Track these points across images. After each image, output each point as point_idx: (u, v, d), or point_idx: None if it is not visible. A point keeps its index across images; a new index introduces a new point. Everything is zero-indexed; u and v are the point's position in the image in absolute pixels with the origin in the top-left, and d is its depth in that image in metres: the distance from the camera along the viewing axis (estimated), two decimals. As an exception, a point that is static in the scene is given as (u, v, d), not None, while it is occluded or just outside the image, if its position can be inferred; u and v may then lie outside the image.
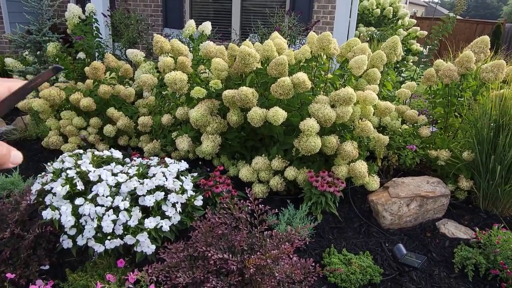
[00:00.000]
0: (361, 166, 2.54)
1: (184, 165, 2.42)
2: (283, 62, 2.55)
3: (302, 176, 2.65)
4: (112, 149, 2.53)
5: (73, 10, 4.58)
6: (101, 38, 5.01)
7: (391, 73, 3.43)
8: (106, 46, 5.12)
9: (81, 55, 4.84)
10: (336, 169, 2.61)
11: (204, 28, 4.32)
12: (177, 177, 2.32)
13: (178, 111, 2.91)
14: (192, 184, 2.32)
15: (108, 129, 3.18)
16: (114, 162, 2.36)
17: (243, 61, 2.66)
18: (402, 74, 4.80)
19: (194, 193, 2.27)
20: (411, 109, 3.35)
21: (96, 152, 2.35)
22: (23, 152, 3.36)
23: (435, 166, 3.12)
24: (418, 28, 7.30)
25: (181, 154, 3.09)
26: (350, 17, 5.36)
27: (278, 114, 2.40)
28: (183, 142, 2.78)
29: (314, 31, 3.93)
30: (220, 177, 2.52)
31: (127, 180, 2.13)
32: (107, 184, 2.07)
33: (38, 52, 3.81)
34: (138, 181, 2.13)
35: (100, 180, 2.12)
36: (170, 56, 3.21)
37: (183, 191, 2.24)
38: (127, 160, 2.59)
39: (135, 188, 2.09)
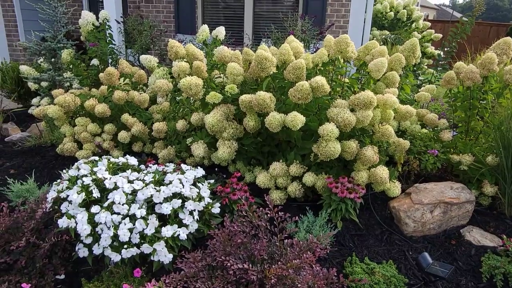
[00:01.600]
0: (382, 171, 2.46)
1: (200, 171, 2.37)
2: (301, 66, 2.50)
3: (321, 182, 2.58)
4: (128, 156, 2.49)
5: (87, 17, 4.61)
6: (115, 44, 5.04)
7: (409, 76, 3.35)
8: (120, 52, 5.14)
9: (95, 61, 4.86)
10: (356, 175, 2.53)
11: (217, 33, 4.29)
12: (194, 184, 2.27)
13: (193, 117, 2.87)
14: (209, 191, 2.27)
15: (123, 135, 3.15)
16: (129, 169, 2.33)
17: (259, 65, 2.61)
18: (419, 77, 4.70)
19: (211, 201, 2.21)
20: (431, 112, 3.26)
21: (112, 159, 2.32)
22: (38, 159, 3.35)
23: (457, 171, 3.01)
24: (433, 31, 7.19)
25: (196, 160, 3.04)
26: (364, 21, 5.29)
27: (297, 119, 2.34)
28: (198, 149, 2.73)
29: (328, 35, 3.87)
30: (237, 184, 2.46)
31: (143, 187, 2.09)
32: (123, 192, 2.03)
33: (53, 59, 3.82)
34: (155, 188, 2.09)
35: (116, 187, 2.08)
36: (185, 61, 3.19)
37: (200, 198, 2.19)
38: (142, 166, 2.55)
39: (151, 196, 2.04)
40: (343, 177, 2.52)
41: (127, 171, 2.22)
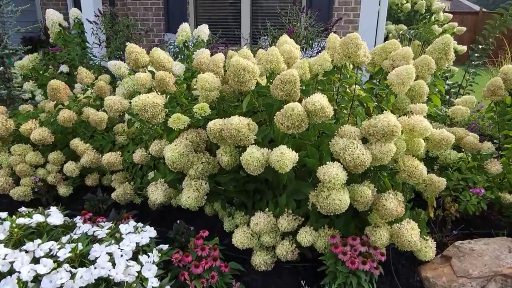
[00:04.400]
0: (410, 231, 1.72)
1: (148, 235, 1.67)
2: (291, 79, 1.77)
3: (322, 241, 1.85)
4: (53, 209, 1.80)
5: (52, 17, 3.93)
6: (87, 47, 4.36)
7: (439, 84, 2.58)
8: (94, 56, 4.46)
9: (64, 68, 4.18)
10: (372, 234, 1.79)
11: (200, 33, 3.58)
12: (135, 256, 1.56)
13: (152, 147, 2.17)
14: (157, 264, 1.56)
15: (69, 168, 2.46)
16: (46, 234, 1.63)
17: (236, 78, 1.89)
18: (447, 82, 3.90)
19: (157, 284, 1.50)
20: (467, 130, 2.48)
21: (20, 220, 1.62)
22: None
23: (508, 212, 2.25)
24: (456, 24, 6.35)
25: (156, 203, 2.33)
26: (378, 14, 4.50)
27: (285, 158, 1.61)
28: (156, 192, 2.02)
29: (335, 32, 3.11)
30: (203, 248, 1.75)
31: (52, 270, 1.39)
32: (19, 280, 1.34)
33: (1, 68, 3.15)
34: (70, 270, 1.39)
35: (12, 270, 1.39)
36: (148, 71, 2.48)
37: (141, 280, 1.48)
38: (79, 221, 1.86)
39: (61, 286, 1.34)
40: (354, 238, 1.79)
41: (34, 241, 1.52)
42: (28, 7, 5.17)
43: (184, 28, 3.52)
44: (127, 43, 2.44)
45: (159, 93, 2.39)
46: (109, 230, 1.66)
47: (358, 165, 1.62)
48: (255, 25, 5.80)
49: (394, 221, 1.82)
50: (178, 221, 2.19)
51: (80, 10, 4.49)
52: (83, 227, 1.68)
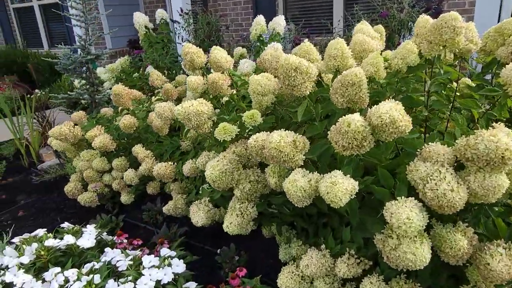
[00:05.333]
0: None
1: (172, 270, 1.42)
2: (354, 80, 1.33)
3: (396, 298, 1.38)
4: (89, 228, 1.69)
5: (138, 19, 4.02)
6: (172, 47, 4.39)
7: None
8: (177, 56, 4.47)
9: (150, 69, 4.27)
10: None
11: (275, 25, 3.25)
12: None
13: (199, 160, 1.93)
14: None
15: (129, 176, 2.39)
16: (79, 256, 1.51)
17: (286, 80, 1.53)
18: None
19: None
20: None
21: (49, 242, 1.53)
22: (54, 197, 2.82)
23: None
24: None
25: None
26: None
27: (337, 190, 1.20)
28: (197, 214, 1.78)
29: (442, 11, 2.47)
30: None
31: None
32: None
33: (84, 74, 3.29)
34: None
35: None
36: (205, 73, 2.26)
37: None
38: (117, 241, 1.72)
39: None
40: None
41: (67, 264, 1.40)
42: (132, 9, 5.48)
43: (259, 21, 3.23)
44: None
45: (209, 98, 2.16)
46: (131, 262, 1.46)
47: (445, 205, 1.11)
48: (350, 9, 5.20)
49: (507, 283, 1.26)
50: (230, 244, 1.93)
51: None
52: (109, 254, 1.52)
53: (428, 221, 1.17)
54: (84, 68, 3.27)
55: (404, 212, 1.12)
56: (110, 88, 3.89)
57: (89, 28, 3.25)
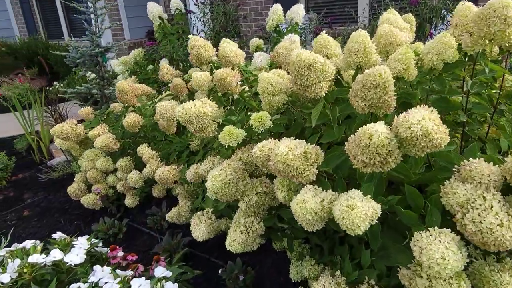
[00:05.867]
0: None
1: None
2: (378, 81, 1.11)
3: None
4: (80, 240, 1.55)
5: (151, 10, 3.85)
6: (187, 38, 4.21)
7: None
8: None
9: (164, 62, 4.11)
10: None
11: (293, 14, 3.00)
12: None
13: (202, 167, 1.75)
14: None
15: (132, 178, 2.24)
16: (67, 273, 1.37)
17: (299, 80, 1.32)
18: None
19: None
20: None
21: (34, 257, 1.39)
22: (60, 195, 2.68)
23: None
24: None
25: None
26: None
27: (354, 216, 0.99)
28: (198, 227, 1.61)
29: (465, 2, 2.20)
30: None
31: None
32: None
33: (95, 67, 3.16)
34: None
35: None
36: (213, 68, 2.08)
37: None
38: (112, 255, 1.57)
39: None
40: None
41: (51, 284, 1.26)
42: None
43: (275, 10, 3.00)
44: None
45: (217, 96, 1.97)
46: (119, 286, 1.30)
47: (491, 243, 0.89)
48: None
49: None
50: (237, 258, 1.75)
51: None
52: (98, 273, 1.37)
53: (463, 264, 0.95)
54: (95, 61, 3.13)
55: (437, 250, 0.90)
56: (124, 81, 3.77)
57: (98, 19, 3.10)
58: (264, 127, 1.57)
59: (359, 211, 1.00)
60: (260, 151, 1.30)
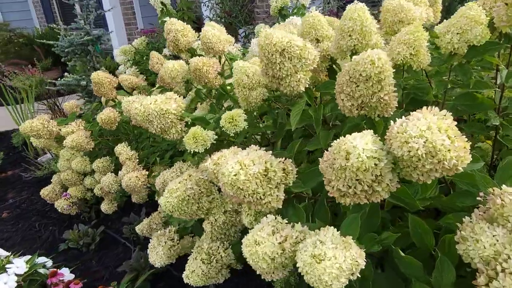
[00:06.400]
0: None
1: None
2: (370, 72, 0.79)
3: None
4: (13, 262, 1.30)
5: (152, -6, 3.58)
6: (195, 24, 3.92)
7: None
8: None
9: (167, 51, 3.85)
10: None
11: (300, -6, 2.64)
12: None
13: (168, 175, 1.46)
14: None
15: (107, 181, 1.97)
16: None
17: (270, 70, 1.01)
18: None
19: None
20: None
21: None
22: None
23: None
24: None
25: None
26: None
27: (321, 272, 0.67)
28: (155, 250, 1.32)
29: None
30: None
31: None
32: None
33: (86, 57, 2.93)
34: None
35: None
36: (197, 55, 1.77)
37: None
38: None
39: None
40: None
41: None
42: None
43: (280, -9, 2.64)
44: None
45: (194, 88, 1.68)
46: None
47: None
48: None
49: None
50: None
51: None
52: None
53: None
54: (85, 50, 2.90)
55: None
56: (125, 72, 3.54)
57: (89, 4, 2.85)
58: (237, 129, 1.26)
59: (329, 264, 0.68)
60: (214, 164, 0.99)
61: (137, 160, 2.01)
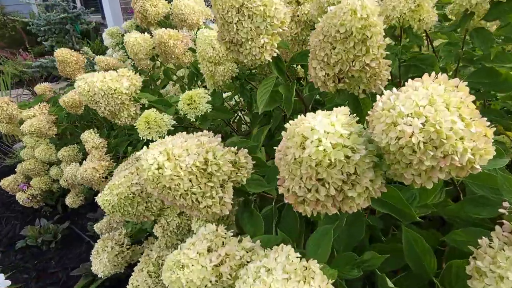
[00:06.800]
0: None
1: None
2: (350, 26, 0.53)
3: None
4: None
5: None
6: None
7: None
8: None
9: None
10: None
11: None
12: None
13: (117, 171, 1.24)
14: None
15: (70, 172, 1.77)
16: None
17: (226, 32, 0.77)
18: None
19: None
20: None
21: None
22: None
23: None
24: None
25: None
26: None
27: None
28: (99, 257, 1.11)
29: None
30: None
31: None
32: None
33: (64, 37, 2.71)
34: None
35: None
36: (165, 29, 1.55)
37: None
38: None
39: None
40: None
41: None
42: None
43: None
44: None
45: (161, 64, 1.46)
46: None
47: None
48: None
49: None
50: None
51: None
52: None
53: None
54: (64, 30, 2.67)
55: None
56: (112, 56, 3.31)
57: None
58: (196, 112, 1.03)
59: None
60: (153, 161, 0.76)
61: (105, 149, 1.79)
